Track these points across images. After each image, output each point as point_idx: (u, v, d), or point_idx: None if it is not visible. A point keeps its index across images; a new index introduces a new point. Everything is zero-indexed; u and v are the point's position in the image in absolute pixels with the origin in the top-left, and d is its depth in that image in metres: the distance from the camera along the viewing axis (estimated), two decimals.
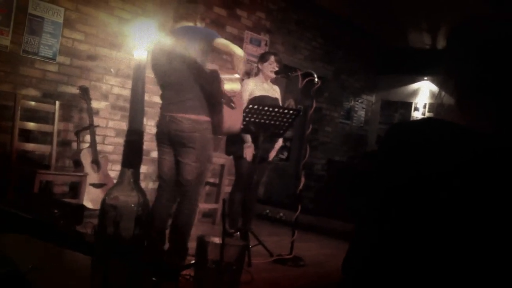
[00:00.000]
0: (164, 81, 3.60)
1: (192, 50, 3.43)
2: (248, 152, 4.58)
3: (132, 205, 0.81)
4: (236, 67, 3.46)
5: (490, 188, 0.93)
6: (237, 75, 3.45)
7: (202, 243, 0.82)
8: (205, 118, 3.46)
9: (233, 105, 3.43)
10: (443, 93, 1.10)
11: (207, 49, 3.47)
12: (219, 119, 3.47)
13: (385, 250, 0.99)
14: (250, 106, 4.15)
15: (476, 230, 0.93)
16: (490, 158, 0.94)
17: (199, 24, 3.64)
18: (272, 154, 4.92)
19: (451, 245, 0.93)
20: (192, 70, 3.45)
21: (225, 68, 3.84)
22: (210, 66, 3.58)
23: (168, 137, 3.51)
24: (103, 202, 0.82)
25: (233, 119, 3.51)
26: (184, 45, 3.45)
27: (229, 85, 3.40)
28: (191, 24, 3.60)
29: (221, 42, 3.47)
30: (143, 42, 0.85)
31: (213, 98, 3.45)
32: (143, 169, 5.56)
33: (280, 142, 4.99)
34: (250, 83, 4.78)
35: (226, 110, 3.46)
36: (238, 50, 3.44)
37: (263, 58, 4.87)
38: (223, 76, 3.42)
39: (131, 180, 0.82)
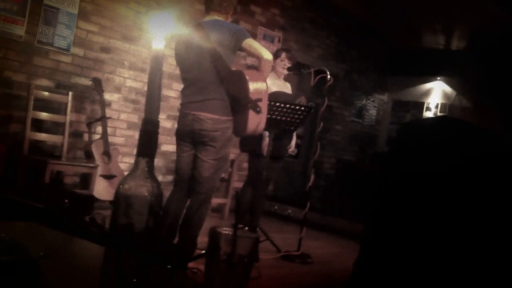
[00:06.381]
0: (187, 75, 3.53)
1: (219, 46, 3.36)
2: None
3: (146, 194, 0.81)
4: (263, 71, 3.43)
5: (502, 191, 0.92)
6: (263, 79, 3.41)
7: (214, 234, 0.82)
8: (227, 117, 3.45)
9: (259, 109, 3.38)
10: (460, 96, 1.09)
11: (235, 47, 3.40)
12: (243, 121, 3.41)
13: (394, 250, 0.99)
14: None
15: (484, 232, 0.92)
16: (505, 160, 0.93)
17: (230, 20, 3.55)
18: (290, 151, 4.91)
19: (458, 246, 0.93)
20: (218, 67, 3.37)
21: (251, 70, 3.77)
22: (235, 67, 3.51)
23: (191, 136, 3.48)
24: (117, 191, 0.82)
25: (257, 122, 3.45)
26: (212, 39, 3.36)
27: (254, 85, 3.36)
28: (222, 18, 3.51)
29: (251, 43, 3.41)
30: (161, 33, 0.85)
31: (238, 101, 3.40)
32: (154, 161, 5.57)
33: (294, 139, 4.98)
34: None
35: (251, 113, 3.41)
36: (266, 54, 3.39)
37: (275, 55, 4.87)
38: (249, 77, 3.38)
39: (146, 169, 0.83)
